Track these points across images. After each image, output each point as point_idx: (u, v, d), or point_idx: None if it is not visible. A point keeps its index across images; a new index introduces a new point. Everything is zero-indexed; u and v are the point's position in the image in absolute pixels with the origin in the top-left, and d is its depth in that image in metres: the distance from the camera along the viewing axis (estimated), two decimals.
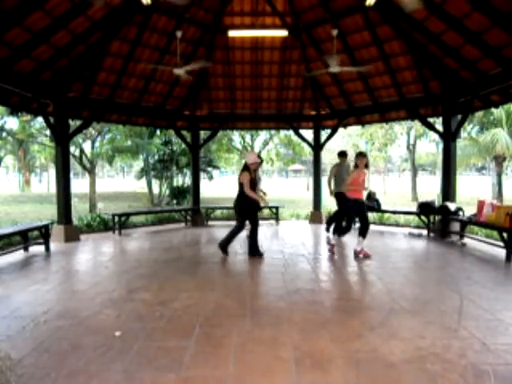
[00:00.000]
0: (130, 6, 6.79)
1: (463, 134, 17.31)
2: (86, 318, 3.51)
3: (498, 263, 5.70)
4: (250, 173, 5.96)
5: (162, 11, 7.43)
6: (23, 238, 6.54)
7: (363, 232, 6.00)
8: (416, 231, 8.57)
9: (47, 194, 25.04)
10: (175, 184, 18.94)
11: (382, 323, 3.38)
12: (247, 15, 8.34)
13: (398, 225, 9.69)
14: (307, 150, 20.52)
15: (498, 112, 15.96)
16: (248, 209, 5.98)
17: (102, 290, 4.39)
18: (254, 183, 6.15)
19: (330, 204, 11.42)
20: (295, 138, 17.23)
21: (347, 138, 23.67)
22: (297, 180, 51.06)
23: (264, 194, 7.22)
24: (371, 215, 8.88)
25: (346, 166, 8.20)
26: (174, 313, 3.65)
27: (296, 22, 8.32)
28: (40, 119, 15.40)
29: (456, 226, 7.56)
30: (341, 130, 12.45)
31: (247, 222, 6.12)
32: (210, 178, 21.26)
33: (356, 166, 6.09)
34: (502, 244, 6.00)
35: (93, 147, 18.99)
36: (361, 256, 5.98)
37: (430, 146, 30.08)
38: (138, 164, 27.69)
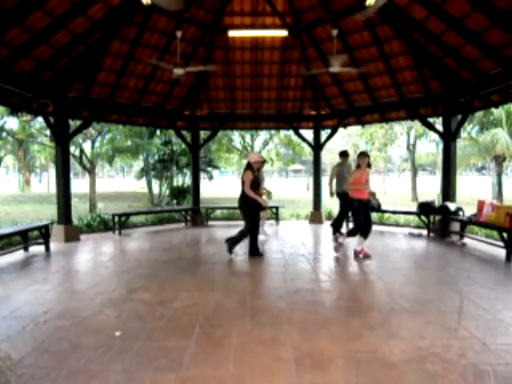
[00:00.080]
0: (129, 6, 6.79)
1: (463, 134, 17.32)
2: (85, 318, 3.51)
3: (498, 263, 5.70)
4: (254, 172, 5.95)
5: (162, 11, 7.42)
6: (23, 238, 6.54)
7: (365, 232, 6.00)
8: (416, 231, 8.57)
9: (47, 194, 25.04)
10: (175, 184, 18.94)
11: (382, 323, 3.39)
12: (247, 15, 8.34)
13: (398, 225, 9.69)
14: (307, 150, 20.51)
15: (498, 112, 15.96)
16: (252, 207, 5.96)
17: (101, 290, 4.39)
18: (258, 182, 6.15)
19: (330, 204, 11.45)
20: (295, 137, 17.23)
21: (347, 138, 23.65)
22: (297, 180, 51.06)
23: (269, 193, 7.25)
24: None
25: (348, 166, 8.22)
26: (174, 313, 3.65)
27: (296, 22, 8.32)
28: (40, 119, 15.41)
29: (456, 226, 7.56)
30: (341, 130, 12.45)
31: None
32: (210, 178, 21.25)
33: (358, 166, 6.08)
34: (502, 244, 6.00)
35: (93, 147, 18.99)
36: (361, 256, 5.98)
37: (430, 146, 30.10)
38: (138, 164, 27.69)
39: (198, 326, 3.31)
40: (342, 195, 7.98)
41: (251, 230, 6.08)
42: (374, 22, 7.54)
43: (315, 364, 2.67)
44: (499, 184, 17.20)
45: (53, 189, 17.94)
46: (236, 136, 22.21)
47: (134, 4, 6.62)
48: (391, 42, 7.76)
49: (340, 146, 23.01)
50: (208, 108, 10.31)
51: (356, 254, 6.06)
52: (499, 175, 17.36)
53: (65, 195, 7.73)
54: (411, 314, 3.59)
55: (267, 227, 8.81)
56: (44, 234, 6.66)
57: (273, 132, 20.87)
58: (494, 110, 14.95)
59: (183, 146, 16.17)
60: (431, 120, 9.01)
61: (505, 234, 5.90)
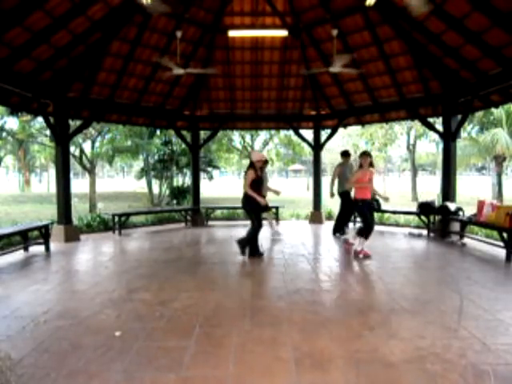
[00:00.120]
0: (130, 6, 6.78)
1: (463, 134, 17.31)
2: (85, 318, 3.51)
3: (498, 263, 5.70)
4: (256, 171, 5.94)
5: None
6: (23, 238, 6.54)
7: (366, 233, 5.99)
8: (416, 231, 8.57)
9: (47, 194, 25.04)
10: (175, 184, 18.94)
11: (382, 323, 3.39)
12: (247, 15, 8.34)
13: (398, 225, 9.69)
14: (307, 150, 20.51)
15: (498, 112, 15.96)
16: (254, 207, 5.94)
17: (101, 290, 4.39)
18: (261, 182, 6.14)
19: (330, 204, 11.45)
20: (295, 137, 17.23)
21: (347, 138, 23.64)
22: (297, 180, 51.06)
23: (277, 192, 7.27)
24: None
25: (350, 166, 8.23)
26: (174, 313, 3.65)
27: (296, 22, 8.32)
28: (40, 119, 15.41)
29: (456, 226, 7.56)
30: (341, 130, 12.46)
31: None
32: (210, 178, 21.26)
33: (361, 166, 6.08)
34: (502, 244, 6.00)
35: (93, 147, 19.00)
36: (361, 256, 5.98)
37: (430, 146, 30.10)
38: (138, 164, 27.69)
39: (197, 326, 3.31)
40: (344, 195, 8.00)
41: (252, 230, 6.08)
42: (374, 22, 7.55)
43: (315, 364, 2.67)
44: (499, 184, 17.20)
45: (53, 189, 17.93)
46: (236, 136, 22.21)
47: (134, 4, 6.62)
48: (391, 41, 7.76)
49: (340, 146, 23.04)
50: (208, 108, 10.31)
51: (356, 254, 6.06)
52: (499, 175, 17.36)
53: (65, 195, 7.73)
54: (411, 314, 3.59)
55: (276, 227, 8.81)
56: (44, 234, 6.66)
57: (273, 132, 20.88)
58: (494, 109, 14.95)
59: (183, 145, 16.17)
60: (431, 120, 9.02)
61: (505, 234, 5.89)
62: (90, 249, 7.19)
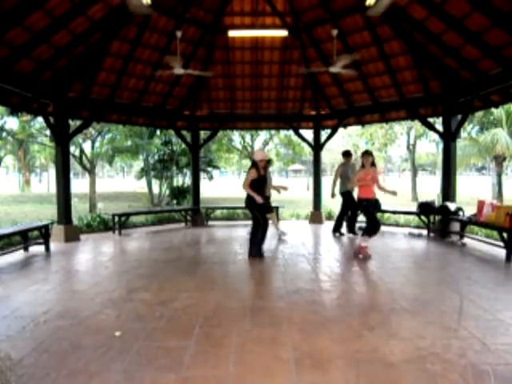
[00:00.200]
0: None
1: (463, 134, 17.31)
2: (85, 318, 3.51)
3: (498, 263, 5.70)
4: (258, 170, 5.92)
5: (162, 11, 7.42)
6: (23, 238, 6.54)
7: (370, 231, 5.99)
8: (416, 231, 8.56)
9: (47, 194, 25.05)
10: (175, 184, 18.94)
11: (382, 323, 3.39)
12: (247, 15, 8.34)
13: (398, 225, 9.68)
14: (307, 150, 20.50)
15: (498, 112, 15.95)
16: (256, 208, 5.92)
17: (101, 290, 4.39)
18: (264, 181, 6.13)
19: (330, 204, 11.45)
20: (295, 137, 17.22)
21: (347, 138, 23.64)
22: (297, 180, 51.04)
23: (284, 188, 7.30)
24: None
25: (351, 166, 8.23)
26: (174, 313, 3.65)
27: (296, 22, 8.32)
28: (40, 119, 15.42)
29: (456, 226, 7.56)
30: (341, 130, 12.45)
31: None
32: (210, 178, 21.25)
33: (362, 166, 6.08)
34: (502, 244, 6.00)
35: (93, 147, 18.99)
36: (360, 256, 5.98)
37: (430, 146, 30.13)
38: (138, 164, 27.67)
39: (197, 326, 3.31)
40: (346, 194, 8.00)
41: (252, 230, 6.08)
42: (374, 22, 7.54)
43: (315, 364, 2.67)
44: (499, 184, 17.19)
45: (53, 189, 17.94)
46: (236, 136, 22.21)
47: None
48: (391, 41, 7.76)
49: (340, 146, 23.07)
50: (208, 108, 10.31)
51: (356, 252, 6.04)
52: (499, 175, 17.35)
53: (65, 195, 7.73)
54: (411, 314, 3.59)
55: (282, 227, 8.78)
56: (44, 234, 6.66)
57: (273, 132, 20.87)
58: (494, 109, 14.95)
59: (183, 145, 16.16)
60: (431, 120, 9.01)
61: (505, 234, 5.89)
62: (90, 249, 7.19)
